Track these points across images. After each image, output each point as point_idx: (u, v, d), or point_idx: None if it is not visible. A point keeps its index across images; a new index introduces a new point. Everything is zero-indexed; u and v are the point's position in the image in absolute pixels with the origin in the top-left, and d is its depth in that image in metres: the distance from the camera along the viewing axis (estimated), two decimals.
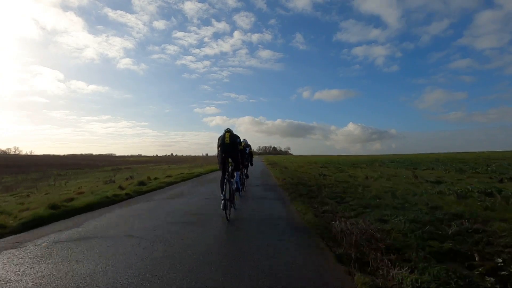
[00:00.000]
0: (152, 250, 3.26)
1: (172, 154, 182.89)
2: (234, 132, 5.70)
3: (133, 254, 3.12)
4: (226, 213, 4.82)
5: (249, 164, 9.02)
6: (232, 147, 5.42)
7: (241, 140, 6.40)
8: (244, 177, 8.52)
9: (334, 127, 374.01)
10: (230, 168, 5.41)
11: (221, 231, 4.18)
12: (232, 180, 5.49)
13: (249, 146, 8.86)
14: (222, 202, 4.83)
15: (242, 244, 3.54)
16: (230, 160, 5.41)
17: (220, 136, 5.56)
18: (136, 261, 2.91)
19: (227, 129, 5.63)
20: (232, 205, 5.29)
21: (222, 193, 4.97)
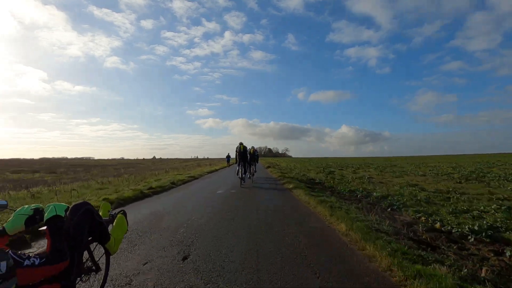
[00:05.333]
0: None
1: (154, 157, 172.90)
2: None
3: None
4: (240, 183, 10.84)
5: (256, 162, 14.09)
6: (244, 153, 11.53)
7: (249, 148, 12.70)
8: (253, 169, 13.30)
9: (328, 129, 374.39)
10: (241, 164, 11.15)
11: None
12: (243, 169, 11.21)
13: (256, 150, 14.33)
14: (239, 178, 10.97)
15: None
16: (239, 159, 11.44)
17: (237, 147, 11.70)
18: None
19: (240, 142, 11.73)
20: (243, 181, 11.00)
21: (237, 174, 11.13)
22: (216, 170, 23.37)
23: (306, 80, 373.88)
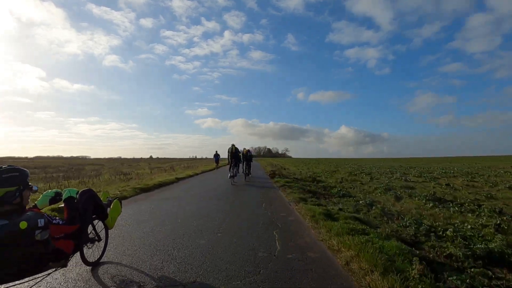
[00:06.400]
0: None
1: (151, 156, 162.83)
2: (232, 141, 16.42)
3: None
4: (231, 182, 10.83)
5: (251, 162, 13.88)
6: (235, 154, 11.57)
7: (241, 149, 13.13)
8: (245, 169, 13.07)
9: (327, 130, 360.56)
10: (233, 164, 11.32)
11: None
12: (235, 168, 11.37)
13: (250, 151, 13.93)
14: (229, 177, 10.98)
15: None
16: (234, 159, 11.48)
17: (229, 148, 11.63)
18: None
19: (232, 144, 11.72)
20: (233, 179, 11.01)
21: (229, 172, 11.10)
22: (182, 179, 12.91)
23: (306, 80, 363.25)
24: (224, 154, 13.37)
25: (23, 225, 1.84)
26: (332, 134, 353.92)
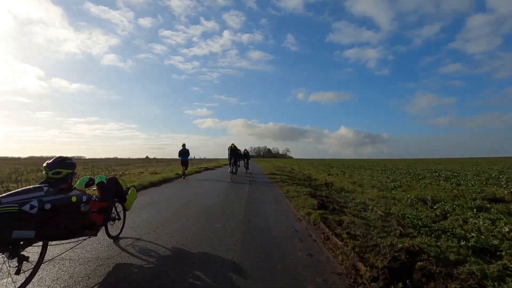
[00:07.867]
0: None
1: (147, 156, 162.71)
2: (232, 142, 15.61)
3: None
4: (231, 177, 12.81)
5: (249, 161, 18.98)
6: (234, 153, 13.56)
7: (238, 148, 15.09)
8: (240, 166, 17.11)
9: (327, 131, 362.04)
10: (232, 161, 13.30)
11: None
12: (234, 166, 13.38)
13: (248, 152, 19.35)
14: (230, 173, 13.11)
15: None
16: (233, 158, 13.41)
17: (229, 147, 13.66)
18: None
19: (232, 143, 13.76)
20: (233, 175, 13.11)
21: (229, 169, 13.24)
22: None
23: (306, 80, 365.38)
24: (224, 154, 15.02)
25: (74, 198, 2.54)
26: (332, 135, 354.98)
